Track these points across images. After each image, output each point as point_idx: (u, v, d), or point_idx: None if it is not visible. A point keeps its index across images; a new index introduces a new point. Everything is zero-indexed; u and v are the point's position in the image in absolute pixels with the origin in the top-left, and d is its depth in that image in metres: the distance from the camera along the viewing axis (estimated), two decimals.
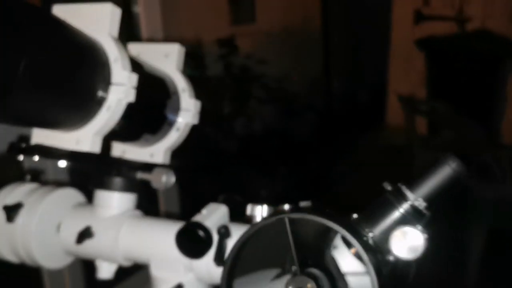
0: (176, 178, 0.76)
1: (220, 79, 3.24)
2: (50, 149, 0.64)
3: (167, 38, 2.79)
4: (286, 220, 0.47)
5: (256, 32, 3.84)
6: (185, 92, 0.76)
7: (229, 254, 0.52)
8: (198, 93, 0.79)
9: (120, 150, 0.77)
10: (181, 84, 0.77)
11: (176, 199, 2.52)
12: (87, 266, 0.80)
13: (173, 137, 0.75)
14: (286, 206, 0.59)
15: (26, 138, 0.65)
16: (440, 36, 3.67)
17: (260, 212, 0.58)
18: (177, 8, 2.97)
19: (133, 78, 0.63)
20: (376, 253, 0.49)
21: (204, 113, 0.79)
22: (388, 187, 0.52)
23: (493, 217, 2.56)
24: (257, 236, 0.50)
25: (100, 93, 0.62)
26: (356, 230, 0.48)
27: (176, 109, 0.76)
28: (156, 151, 0.76)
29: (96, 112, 0.62)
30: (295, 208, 0.51)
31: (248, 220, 0.66)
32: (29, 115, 0.58)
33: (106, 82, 0.63)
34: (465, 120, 3.27)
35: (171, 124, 0.76)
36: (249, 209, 0.59)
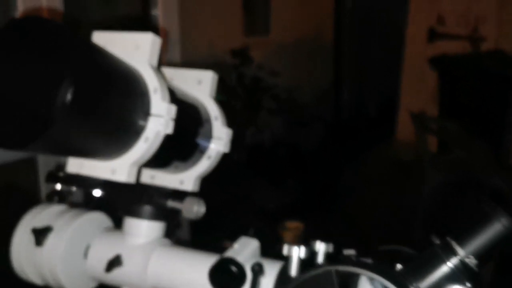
0: None
1: (231, 89, 3.25)
2: (84, 177, 0.63)
3: (183, 44, 2.82)
4: (333, 273, 0.47)
5: (269, 43, 3.85)
6: (218, 120, 0.76)
7: None
8: None
9: (149, 175, 0.76)
10: (214, 112, 0.76)
11: None
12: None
13: (204, 165, 0.75)
14: (322, 246, 0.58)
15: (61, 167, 0.65)
16: (453, 55, 3.66)
17: (297, 253, 0.57)
18: (194, 14, 3.00)
19: (172, 110, 0.63)
20: None
21: None
22: (436, 241, 0.51)
23: None
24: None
25: (138, 124, 0.61)
26: (406, 286, 0.47)
27: (208, 137, 0.76)
28: (186, 179, 0.75)
29: (134, 142, 0.62)
30: (340, 258, 0.50)
31: (280, 256, 0.65)
32: (69, 145, 0.58)
33: (144, 112, 0.62)
34: (475, 141, 3.26)
35: (202, 151, 0.75)
36: (285, 249, 0.59)
